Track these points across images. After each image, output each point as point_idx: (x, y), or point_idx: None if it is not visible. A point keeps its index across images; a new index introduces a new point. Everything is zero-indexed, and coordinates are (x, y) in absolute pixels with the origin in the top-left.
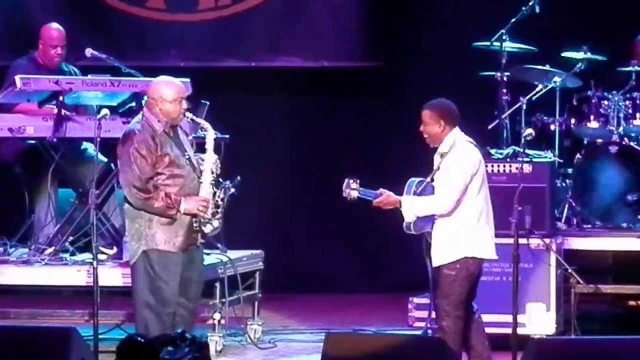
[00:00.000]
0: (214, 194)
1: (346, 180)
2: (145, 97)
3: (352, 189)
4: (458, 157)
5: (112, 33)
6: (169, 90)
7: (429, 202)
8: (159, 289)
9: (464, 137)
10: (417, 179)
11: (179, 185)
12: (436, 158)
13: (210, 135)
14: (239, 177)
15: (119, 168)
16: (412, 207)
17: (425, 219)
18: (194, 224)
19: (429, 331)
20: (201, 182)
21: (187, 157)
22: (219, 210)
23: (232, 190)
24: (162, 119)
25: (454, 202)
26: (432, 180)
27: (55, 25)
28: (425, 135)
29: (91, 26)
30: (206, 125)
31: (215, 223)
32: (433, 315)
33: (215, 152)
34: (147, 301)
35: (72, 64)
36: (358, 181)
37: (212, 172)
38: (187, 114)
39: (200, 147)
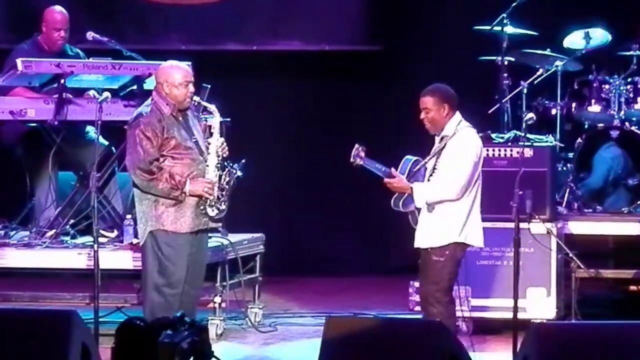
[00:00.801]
0: (220, 176)
1: (355, 146)
2: (153, 81)
3: (358, 157)
4: (464, 142)
5: (113, 16)
6: (176, 74)
7: (440, 188)
8: (166, 270)
9: (464, 122)
10: (413, 158)
11: (185, 168)
12: (437, 142)
13: (216, 118)
14: (244, 160)
15: (126, 150)
16: (424, 193)
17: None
18: (200, 207)
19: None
20: (207, 165)
21: (194, 140)
22: (225, 192)
23: (238, 173)
24: (170, 102)
25: (464, 188)
26: (434, 162)
27: (58, 8)
28: (427, 123)
29: (93, 9)
30: (212, 108)
31: (222, 206)
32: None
33: (221, 135)
34: (155, 282)
35: (76, 46)
36: (365, 150)
37: (218, 155)
38: (195, 97)
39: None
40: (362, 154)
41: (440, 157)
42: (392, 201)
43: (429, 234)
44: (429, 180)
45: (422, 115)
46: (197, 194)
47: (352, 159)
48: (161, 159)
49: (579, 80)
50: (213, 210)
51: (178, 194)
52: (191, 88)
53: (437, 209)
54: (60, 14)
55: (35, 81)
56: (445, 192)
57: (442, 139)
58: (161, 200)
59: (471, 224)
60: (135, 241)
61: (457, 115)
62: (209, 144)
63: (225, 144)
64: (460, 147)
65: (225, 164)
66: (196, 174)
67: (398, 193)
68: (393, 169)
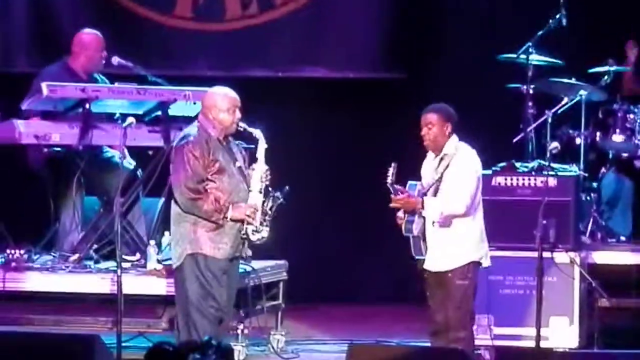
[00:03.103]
0: (263, 202)
1: (393, 164)
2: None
3: (388, 175)
4: (469, 159)
5: (139, 41)
6: (222, 100)
7: (450, 201)
8: (209, 294)
9: (460, 141)
10: (417, 183)
11: (227, 193)
12: (433, 163)
13: (262, 144)
14: (287, 187)
15: (172, 169)
16: (435, 206)
17: (414, 221)
18: (241, 232)
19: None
20: (250, 191)
21: (237, 166)
22: (267, 218)
23: (281, 199)
24: (217, 126)
25: (471, 203)
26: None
27: (95, 31)
28: (428, 139)
29: (118, 34)
30: (258, 134)
31: (264, 232)
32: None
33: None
34: (196, 304)
35: (100, 71)
36: (394, 169)
37: (262, 181)
38: (241, 123)
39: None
40: (391, 172)
41: (444, 175)
42: (403, 227)
43: (445, 256)
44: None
45: (424, 132)
46: (238, 219)
47: (388, 179)
48: (205, 182)
49: (604, 110)
50: (255, 236)
51: (220, 217)
52: (238, 114)
53: (448, 230)
54: (96, 35)
55: (59, 106)
56: (455, 206)
57: (442, 158)
58: (200, 223)
59: (483, 243)
60: (158, 267)
61: (455, 135)
62: (253, 169)
63: (269, 170)
64: (465, 165)
65: (269, 189)
66: (237, 200)
67: (406, 218)
68: (400, 187)
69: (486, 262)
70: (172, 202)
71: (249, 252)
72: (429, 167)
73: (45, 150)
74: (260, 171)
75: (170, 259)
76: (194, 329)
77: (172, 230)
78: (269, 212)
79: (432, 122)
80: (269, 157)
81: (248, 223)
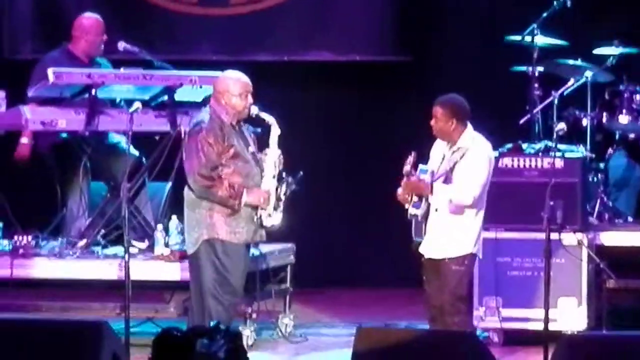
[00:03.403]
0: (276, 188)
1: (413, 153)
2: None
3: (407, 163)
4: (483, 152)
5: (144, 26)
6: (235, 84)
7: (459, 191)
8: (225, 279)
9: (477, 133)
10: (428, 168)
11: (242, 178)
12: (444, 149)
13: (275, 130)
14: (301, 172)
15: (185, 156)
16: (444, 193)
17: (420, 206)
18: (255, 217)
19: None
20: (264, 176)
21: (251, 151)
22: (280, 204)
23: (294, 185)
24: (229, 111)
25: (478, 196)
26: (448, 171)
27: (93, 14)
28: (434, 130)
29: (123, 19)
30: (271, 120)
31: (277, 217)
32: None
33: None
34: (211, 291)
35: (104, 55)
36: (413, 157)
37: (275, 166)
38: (253, 108)
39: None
40: (409, 160)
41: (456, 166)
42: (409, 211)
43: (443, 245)
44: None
45: (432, 122)
46: (253, 204)
47: (406, 167)
48: (219, 168)
49: (610, 91)
50: (268, 221)
51: (236, 202)
52: (250, 99)
53: (452, 219)
54: (97, 19)
55: (66, 92)
56: (464, 196)
57: (457, 149)
58: (216, 208)
59: (480, 237)
60: (166, 252)
61: (470, 128)
62: (266, 154)
63: (282, 156)
64: (480, 158)
65: (282, 175)
66: (252, 185)
67: (413, 202)
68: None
69: (480, 254)
70: (186, 188)
71: (264, 236)
72: (438, 150)
73: (52, 136)
74: (273, 156)
75: (178, 243)
76: (209, 315)
77: (187, 216)
78: (283, 197)
79: (436, 115)
80: (278, 141)
81: (262, 208)
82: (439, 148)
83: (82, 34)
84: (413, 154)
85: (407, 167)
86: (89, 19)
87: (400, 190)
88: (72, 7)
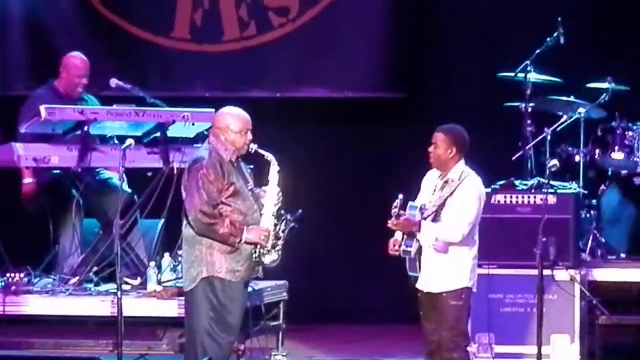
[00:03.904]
0: (275, 225)
1: (399, 197)
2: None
3: (394, 206)
4: (474, 189)
5: (136, 63)
6: (235, 121)
7: (447, 228)
8: (222, 319)
9: (468, 167)
10: (417, 204)
11: (242, 216)
12: (436, 181)
13: (274, 167)
14: (300, 211)
15: (185, 194)
16: (431, 232)
17: (412, 244)
18: (254, 255)
19: None
20: (262, 214)
21: (249, 187)
22: (279, 242)
23: (293, 223)
24: (229, 147)
25: (468, 232)
26: (438, 207)
27: (79, 54)
28: (432, 157)
29: (116, 56)
30: (270, 157)
31: (275, 254)
32: None
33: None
34: (207, 329)
35: (94, 93)
36: (400, 201)
37: (274, 204)
38: (252, 145)
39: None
40: (395, 203)
41: (446, 202)
42: (400, 250)
43: (440, 278)
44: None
45: (430, 149)
46: (253, 242)
47: (393, 211)
48: (219, 206)
49: (602, 127)
50: (267, 258)
51: (236, 240)
52: (249, 135)
53: (444, 255)
54: (81, 60)
55: (58, 128)
56: (452, 234)
57: (446, 182)
58: (216, 246)
59: (474, 270)
60: (159, 289)
61: (462, 161)
62: (265, 192)
63: (281, 193)
64: (469, 194)
65: (281, 212)
66: (251, 222)
67: (404, 241)
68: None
69: (475, 289)
70: (184, 224)
71: (261, 273)
72: (430, 182)
73: (44, 172)
74: (272, 194)
75: (170, 280)
76: (203, 353)
77: (185, 253)
78: (282, 235)
79: (437, 141)
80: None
81: (262, 246)
82: (430, 179)
83: (63, 71)
84: (400, 197)
85: (394, 211)
86: (70, 57)
87: (396, 238)
88: (65, 45)
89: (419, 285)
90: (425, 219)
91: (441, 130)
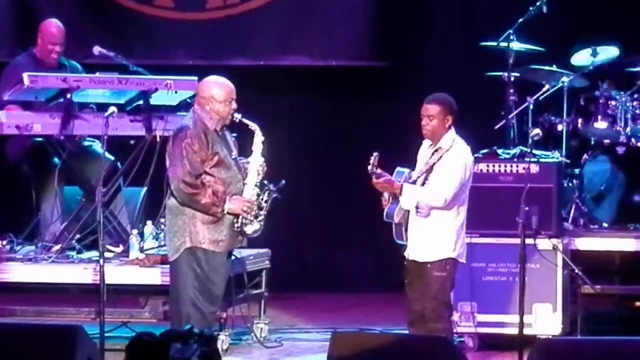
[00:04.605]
0: (258, 195)
1: (374, 154)
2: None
3: (370, 163)
4: (460, 156)
5: (120, 31)
6: (219, 91)
7: (429, 193)
8: (206, 288)
9: (458, 136)
10: (405, 170)
11: (224, 185)
12: (427, 151)
13: (258, 137)
14: (283, 181)
15: (169, 162)
16: (412, 194)
17: (396, 208)
18: (236, 225)
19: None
20: (245, 184)
21: (233, 157)
22: (262, 212)
23: (276, 194)
24: (214, 117)
25: (452, 197)
26: (425, 173)
27: (55, 21)
28: (427, 130)
29: (99, 24)
30: (255, 127)
31: (257, 225)
32: None
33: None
34: (192, 298)
35: (77, 60)
36: (376, 157)
37: (258, 174)
38: (236, 114)
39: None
40: (372, 161)
41: (434, 167)
42: (384, 213)
43: (425, 247)
44: None
45: (424, 122)
46: (235, 212)
47: (369, 167)
48: (203, 176)
49: (585, 97)
50: (249, 228)
51: (218, 210)
52: (234, 105)
53: (431, 223)
54: (56, 27)
55: (41, 96)
56: (433, 198)
57: (436, 150)
58: (199, 216)
59: (461, 241)
60: (141, 257)
61: (453, 129)
62: (249, 162)
63: (265, 163)
64: (456, 160)
65: (264, 183)
66: (234, 192)
67: (389, 203)
68: (381, 171)
69: (463, 259)
70: (168, 193)
71: (245, 242)
72: (423, 154)
73: (27, 140)
74: (256, 164)
75: (153, 248)
76: (187, 322)
77: (168, 222)
78: (264, 205)
79: (433, 114)
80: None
81: (244, 217)
82: (423, 150)
83: (39, 37)
84: (375, 154)
85: (370, 168)
86: (48, 24)
87: (385, 196)
88: (48, 11)
89: (405, 253)
90: (413, 183)
91: (434, 102)
